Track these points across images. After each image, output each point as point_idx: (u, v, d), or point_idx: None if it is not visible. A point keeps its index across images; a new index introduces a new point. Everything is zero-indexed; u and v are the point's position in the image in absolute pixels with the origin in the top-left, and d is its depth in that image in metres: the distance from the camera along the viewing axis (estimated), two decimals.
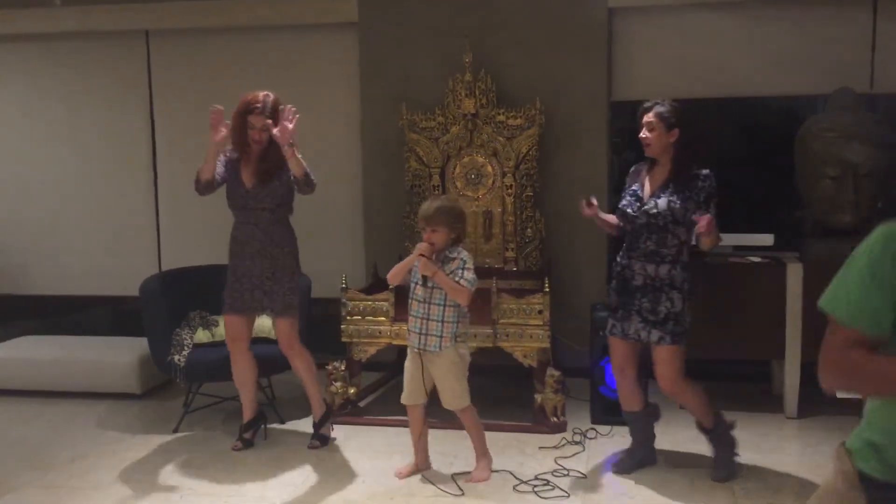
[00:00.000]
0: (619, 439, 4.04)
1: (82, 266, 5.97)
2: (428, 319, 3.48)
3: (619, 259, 3.64)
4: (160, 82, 5.76)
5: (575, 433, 4.18)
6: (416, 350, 3.55)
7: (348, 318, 4.40)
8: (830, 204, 4.36)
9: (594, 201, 3.67)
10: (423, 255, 3.42)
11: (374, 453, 3.98)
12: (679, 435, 4.13)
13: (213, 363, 4.26)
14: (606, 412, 4.26)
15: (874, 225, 1.63)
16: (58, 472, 3.83)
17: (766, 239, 4.54)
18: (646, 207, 3.48)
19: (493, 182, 4.93)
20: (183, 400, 4.53)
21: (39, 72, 5.90)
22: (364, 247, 5.38)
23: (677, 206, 3.44)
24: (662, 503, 3.42)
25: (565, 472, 3.70)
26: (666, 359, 3.50)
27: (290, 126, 3.68)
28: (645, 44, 5.15)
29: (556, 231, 5.04)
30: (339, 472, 3.77)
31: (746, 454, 3.87)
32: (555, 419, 4.23)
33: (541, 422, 4.25)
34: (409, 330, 3.60)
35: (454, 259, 3.47)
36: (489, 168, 4.93)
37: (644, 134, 3.50)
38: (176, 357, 4.32)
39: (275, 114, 3.79)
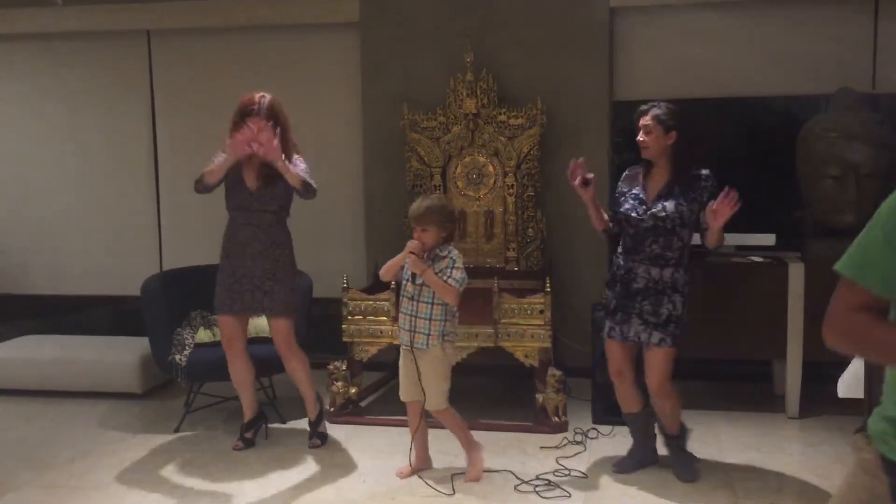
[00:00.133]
0: (620, 439, 4.04)
1: (83, 266, 5.98)
2: (416, 317, 3.50)
3: (618, 262, 3.61)
4: (161, 82, 5.76)
5: (576, 433, 4.18)
6: (405, 347, 3.57)
7: (349, 317, 4.40)
8: (832, 204, 4.35)
9: (590, 176, 3.56)
10: (412, 254, 3.43)
11: (375, 453, 3.97)
12: None
13: (214, 363, 4.25)
14: (608, 412, 4.25)
15: None
16: (58, 472, 3.83)
17: (768, 239, 4.54)
18: (654, 211, 3.46)
19: (495, 182, 4.93)
20: (184, 399, 4.53)
21: (41, 71, 5.90)
22: (365, 247, 5.38)
23: (684, 208, 3.45)
24: (663, 503, 3.42)
25: (567, 472, 3.70)
26: (662, 360, 3.50)
27: (274, 142, 3.68)
28: (646, 44, 5.15)
29: (557, 231, 5.04)
30: (340, 472, 3.76)
31: (748, 454, 3.87)
32: (556, 419, 4.23)
33: (542, 422, 4.24)
34: (399, 327, 3.62)
35: (444, 258, 3.49)
36: (490, 168, 4.93)
37: (641, 137, 3.49)
38: (177, 357, 4.32)
39: (272, 114, 3.79)
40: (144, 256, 5.85)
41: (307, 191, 3.80)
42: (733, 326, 4.31)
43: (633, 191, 3.57)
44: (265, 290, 3.92)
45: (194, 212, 5.43)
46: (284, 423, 4.42)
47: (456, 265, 3.47)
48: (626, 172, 3.69)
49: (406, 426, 3.78)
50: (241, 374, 4.07)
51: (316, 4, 5.36)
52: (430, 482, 3.59)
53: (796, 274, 4.26)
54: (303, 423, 4.30)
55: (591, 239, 5.06)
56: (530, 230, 4.94)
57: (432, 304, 3.49)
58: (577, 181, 3.55)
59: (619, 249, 3.64)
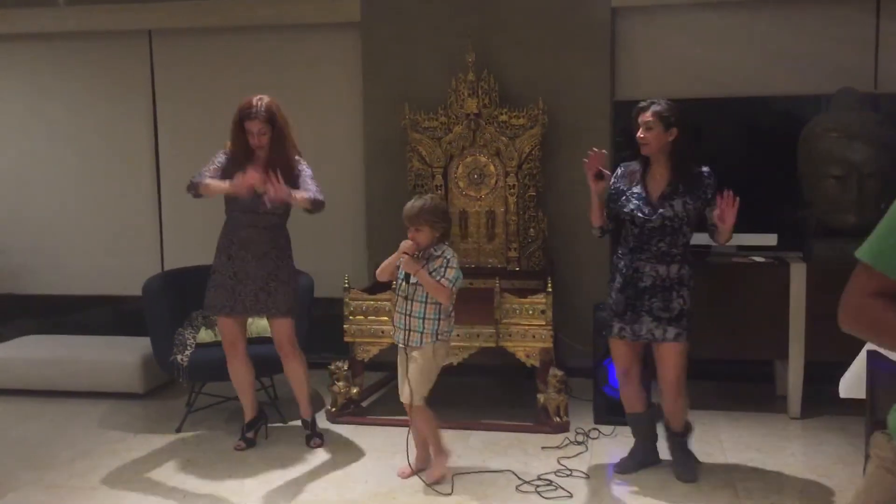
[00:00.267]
0: (622, 439, 4.03)
1: (84, 266, 5.98)
2: (410, 316, 3.51)
3: (622, 262, 3.58)
4: (163, 82, 5.77)
5: (578, 433, 4.17)
6: (400, 346, 3.58)
7: (351, 317, 4.40)
8: (834, 204, 4.35)
9: (607, 172, 3.55)
10: (406, 253, 3.44)
11: (376, 453, 3.97)
12: None
13: (215, 363, 4.25)
14: (609, 412, 4.25)
15: (877, 225, 1.64)
16: (59, 472, 3.83)
17: (770, 239, 4.53)
18: (662, 211, 3.44)
19: (496, 182, 4.93)
20: (185, 399, 4.54)
21: (42, 71, 5.91)
22: (366, 247, 5.38)
23: (691, 206, 3.45)
24: (665, 503, 3.41)
25: (568, 473, 3.69)
26: (678, 355, 3.50)
27: (277, 184, 3.68)
28: (648, 43, 5.14)
29: (558, 231, 5.04)
30: (341, 472, 3.76)
31: (749, 454, 3.87)
32: (557, 419, 4.23)
33: (543, 422, 4.24)
34: (394, 326, 3.62)
35: (438, 257, 3.49)
36: (492, 168, 4.92)
37: (642, 133, 3.46)
38: (178, 357, 4.32)
39: (270, 116, 3.80)
40: (146, 256, 5.86)
41: (316, 208, 3.84)
42: (735, 326, 4.30)
43: (634, 189, 3.54)
44: (268, 291, 3.93)
45: (195, 212, 5.40)
46: (286, 422, 4.42)
47: (450, 265, 3.48)
48: (621, 169, 3.64)
49: (408, 426, 3.77)
50: (241, 375, 4.07)
51: (317, 4, 5.36)
52: (435, 482, 3.58)
53: (798, 274, 4.25)
54: None
55: (593, 239, 5.00)
56: (532, 230, 4.94)
57: (426, 303, 3.50)
58: (592, 173, 3.53)
59: (622, 249, 3.61)
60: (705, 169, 3.52)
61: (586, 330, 4.57)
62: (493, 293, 4.24)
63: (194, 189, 3.83)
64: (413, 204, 3.51)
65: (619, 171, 3.65)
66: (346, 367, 4.40)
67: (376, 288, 4.50)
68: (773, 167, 5.07)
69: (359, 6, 5.28)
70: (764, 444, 4.02)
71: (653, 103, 3.48)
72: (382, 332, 4.36)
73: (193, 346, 4.39)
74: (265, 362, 4.25)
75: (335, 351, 4.60)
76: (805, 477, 3.67)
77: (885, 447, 1.60)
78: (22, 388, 5.00)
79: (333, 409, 4.43)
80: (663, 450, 3.76)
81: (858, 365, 3.03)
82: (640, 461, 3.76)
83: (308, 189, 3.85)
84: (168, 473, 3.78)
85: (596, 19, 5.03)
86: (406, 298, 3.53)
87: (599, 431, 4.22)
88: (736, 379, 4.99)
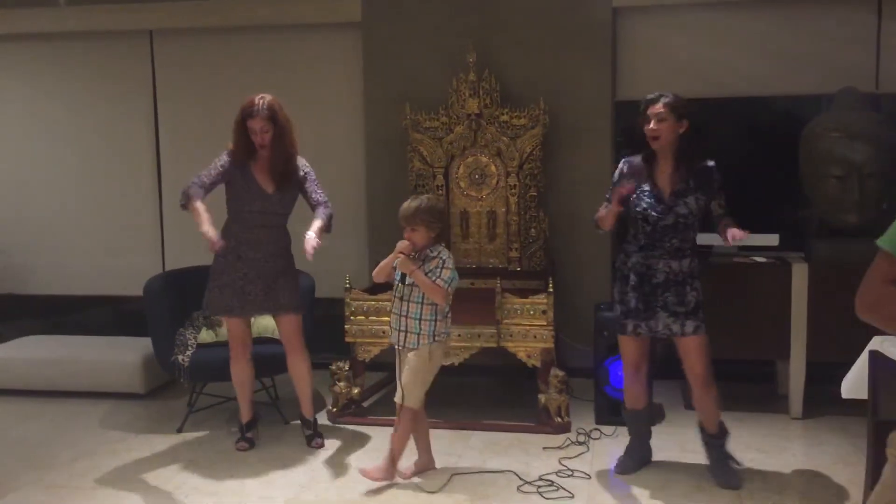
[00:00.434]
0: (623, 439, 4.01)
1: (85, 266, 5.98)
2: (406, 317, 3.51)
3: (632, 259, 3.53)
4: (164, 82, 5.76)
5: (579, 433, 4.17)
6: (397, 348, 3.57)
7: (352, 318, 4.40)
8: (835, 204, 4.34)
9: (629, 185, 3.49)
10: (402, 254, 3.44)
11: (377, 453, 3.96)
12: (684, 436, 4.13)
13: (216, 363, 4.25)
14: (611, 412, 4.25)
15: (878, 225, 1.65)
16: (60, 472, 3.83)
17: (772, 239, 4.52)
18: (677, 208, 3.42)
19: (497, 182, 4.93)
20: (187, 400, 4.54)
21: (43, 71, 5.90)
22: (368, 247, 5.38)
23: (702, 202, 3.45)
24: (667, 503, 3.42)
25: (569, 473, 3.69)
26: (702, 347, 3.48)
27: (314, 244, 3.75)
28: (649, 43, 5.14)
29: (559, 231, 5.04)
30: (342, 472, 3.76)
31: (751, 454, 3.86)
32: (559, 419, 4.22)
33: (545, 422, 4.24)
34: (390, 327, 3.62)
35: (434, 258, 3.49)
36: (493, 168, 4.92)
37: (653, 125, 3.40)
38: (180, 357, 4.32)
39: (272, 114, 3.81)
40: (147, 256, 5.85)
41: (330, 226, 3.96)
42: (736, 326, 4.30)
43: (644, 187, 3.49)
44: (277, 289, 3.98)
45: None
46: (287, 423, 4.42)
47: (446, 265, 3.48)
48: (626, 167, 3.58)
49: None
50: (245, 374, 4.09)
51: (317, 4, 5.36)
52: (433, 482, 3.58)
53: (800, 274, 4.25)
54: None
55: (594, 239, 5.04)
56: (533, 230, 4.93)
57: (422, 304, 3.49)
58: (619, 198, 3.45)
59: (630, 247, 3.55)
60: (711, 163, 3.51)
61: (587, 330, 4.57)
62: (495, 293, 4.24)
63: (186, 200, 3.81)
64: (409, 204, 3.51)
65: (623, 167, 3.60)
66: (347, 368, 4.40)
67: (377, 288, 4.49)
68: (774, 167, 5.07)
69: (359, 6, 5.28)
70: (765, 445, 4.01)
71: (661, 95, 3.44)
72: (383, 332, 4.35)
73: (194, 346, 4.39)
74: (266, 362, 4.25)
75: (336, 351, 4.60)
76: (806, 477, 3.67)
77: None
78: (23, 388, 5.00)
79: (334, 410, 4.43)
80: (665, 451, 3.76)
81: (860, 365, 3.03)
82: (638, 459, 3.76)
83: (318, 201, 4.00)
84: (169, 474, 3.78)
85: (597, 19, 5.03)
86: (402, 299, 3.53)
87: (601, 432, 4.22)
88: (737, 379, 4.98)
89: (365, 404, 4.61)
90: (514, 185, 4.86)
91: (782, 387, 4.65)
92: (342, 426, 4.36)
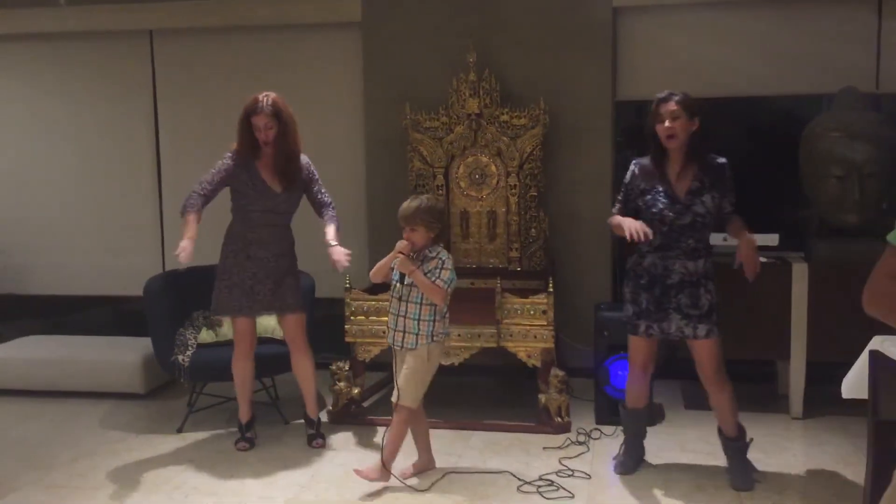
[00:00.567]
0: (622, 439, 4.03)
1: (85, 266, 5.98)
2: (405, 317, 3.51)
3: (646, 259, 3.50)
4: (164, 82, 5.76)
5: (579, 433, 4.17)
6: (395, 348, 3.57)
7: (352, 318, 4.40)
8: (836, 204, 4.34)
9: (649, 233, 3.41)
10: (401, 253, 3.44)
11: (377, 453, 3.95)
12: (683, 436, 4.13)
13: (217, 363, 4.25)
14: (611, 412, 4.25)
15: (879, 225, 1.66)
16: (60, 472, 3.83)
17: (772, 239, 4.52)
18: (694, 207, 3.40)
19: (497, 182, 4.93)
20: (187, 400, 4.54)
21: (43, 71, 5.91)
22: (368, 247, 5.37)
23: (717, 200, 3.43)
24: (667, 503, 3.41)
25: (570, 473, 3.69)
26: (714, 349, 3.48)
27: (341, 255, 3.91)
28: (649, 43, 5.14)
29: (559, 231, 5.04)
30: (342, 472, 3.75)
31: (751, 454, 3.85)
32: (559, 419, 4.22)
33: (545, 422, 4.24)
34: (388, 327, 3.62)
35: (433, 258, 3.49)
36: (493, 168, 4.92)
37: (669, 123, 3.36)
38: (180, 357, 4.32)
39: (276, 111, 3.82)
40: (147, 256, 5.85)
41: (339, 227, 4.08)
42: (737, 326, 4.28)
43: (659, 188, 3.45)
44: (285, 288, 4.01)
45: None
46: (287, 423, 4.42)
47: (445, 266, 3.47)
48: (637, 168, 3.55)
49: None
50: (248, 373, 4.10)
51: (317, 4, 5.36)
52: (432, 481, 3.59)
53: (800, 274, 4.24)
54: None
55: (594, 239, 5.07)
56: (533, 230, 4.93)
57: (421, 304, 3.49)
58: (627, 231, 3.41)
59: (645, 247, 3.51)
60: (723, 160, 3.49)
61: (587, 330, 4.57)
62: (495, 293, 4.23)
63: (184, 212, 3.87)
64: (409, 204, 3.50)
65: (634, 169, 3.56)
66: (347, 368, 4.40)
67: (377, 288, 4.49)
68: (774, 167, 5.07)
69: (359, 6, 5.28)
70: (765, 445, 4.01)
71: (672, 94, 3.40)
72: (384, 332, 4.32)
73: (195, 346, 4.39)
74: (267, 362, 4.26)
75: (336, 351, 4.60)
76: (807, 477, 3.67)
77: None
78: (23, 388, 5.00)
79: (335, 409, 4.43)
80: (666, 451, 3.75)
81: (861, 365, 3.03)
82: (636, 458, 3.76)
83: (324, 202, 4.10)
84: (169, 474, 3.78)
85: (597, 19, 5.03)
86: (400, 299, 3.52)
87: (601, 431, 4.22)
88: (737, 379, 4.92)
89: (365, 404, 4.61)
90: (515, 185, 4.86)
91: (782, 387, 4.65)
92: (342, 426, 4.35)
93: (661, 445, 3.98)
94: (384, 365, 4.74)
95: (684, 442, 4.06)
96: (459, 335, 4.23)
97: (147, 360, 4.84)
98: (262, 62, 5.52)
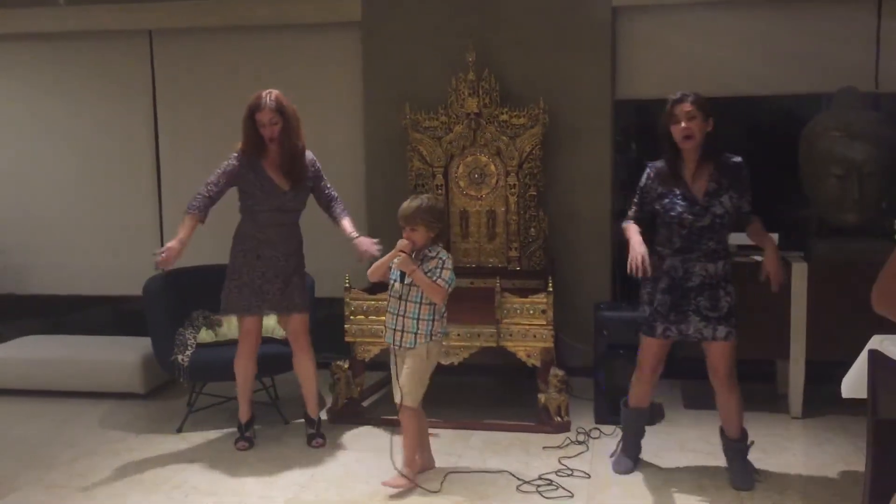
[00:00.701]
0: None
1: (85, 265, 5.98)
2: (404, 316, 3.50)
3: (666, 262, 3.47)
4: (163, 82, 5.76)
5: (579, 433, 4.17)
6: (393, 348, 3.57)
7: (352, 317, 4.40)
8: (835, 203, 4.34)
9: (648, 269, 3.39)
10: (402, 252, 3.44)
11: (377, 453, 3.96)
12: (683, 436, 4.13)
13: (216, 363, 4.26)
14: (611, 412, 4.24)
15: (879, 224, 1.67)
16: (60, 472, 3.83)
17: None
18: (713, 209, 3.38)
19: (497, 181, 4.93)
20: (186, 399, 4.54)
21: (42, 71, 5.91)
22: None
23: (735, 201, 3.42)
24: (667, 503, 3.41)
25: (569, 472, 3.69)
26: (729, 352, 3.49)
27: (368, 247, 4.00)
28: (649, 42, 5.13)
29: (559, 230, 5.04)
30: (342, 472, 3.76)
31: (751, 454, 3.85)
32: (558, 419, 4.22)
33: (544, 421, 4.24)
34: (385, 326, 3.61)
35: (433, 258, 3.49)
36: (492, 167, 4.92)
37: (685, 124, 3.34)
38: (179, 357, 4.32)
39: (280, 107, 3.84)
40: (146, 256, 5.79)
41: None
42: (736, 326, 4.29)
43: (676, 191, 3.43)
44: (292, 287, 4.02)
45: None
46: (287, 422, 4.42)
47: (445, 265, 3.47)
48: (652, 171, 3.52)
49: None
50: (250, 372, 4.11)
51: (317, 4, 5.35)
52: (431, 482, 3.58)
53: (800, 273, 4.24)
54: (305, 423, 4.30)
55: (593, 238, 5.07)
56: (532, 230, 4.93)
57: (420, 303, 3.48)
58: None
59: (664, 250, 3.49)
60: (738, 159, 3.48)
61: (587, 329, 4.57)
62: (494, 293, 4.23)
63: (186, 213, 3.90)
64: (409, 203, 3.50)
65: (649, 172, 3.54)
66: (346, 367, 4.40)
67: (377, 288, 4.49)
68: (774, 166, 5.06)
69: (359, 6, 5.28)
70: (765, 444, 4.01)
71: (686, 94, 3.38)
72: (383, 332, 4.35)
73: (194, 346, 4.39)
74: (267, 362, 4.26)
75: (336, 351, 4.60)
76: (807, 477, 3.67)
77: None
78: (22, 388, 5.00)
79: (334, 409, 4.43)
80: (666, 451, 3.75)
81: (860, 364, 3.03)
82: (633, 457, 3.77)
83: (332, 197, 4.18)
84: (169, 473, 3.78)
85: (597, 18, 5.03)
86: (400, 299, 3.52)
87: (600, 431, 4.22)
88: (737, 378, 4.97)
89: (365, 404, 4.61)
90: (514, 185, 4.86)
91: (782, 386, 4.65)
92: (342, 425, 4.35)
93: (661, 445, 3.98)
94: (384, 364, 4.72)
95: (684, 442, 4.06)
96: (459, 335, 4.23)
97: (147, 359, 4.84)
98: (262, 62, 5.52)
